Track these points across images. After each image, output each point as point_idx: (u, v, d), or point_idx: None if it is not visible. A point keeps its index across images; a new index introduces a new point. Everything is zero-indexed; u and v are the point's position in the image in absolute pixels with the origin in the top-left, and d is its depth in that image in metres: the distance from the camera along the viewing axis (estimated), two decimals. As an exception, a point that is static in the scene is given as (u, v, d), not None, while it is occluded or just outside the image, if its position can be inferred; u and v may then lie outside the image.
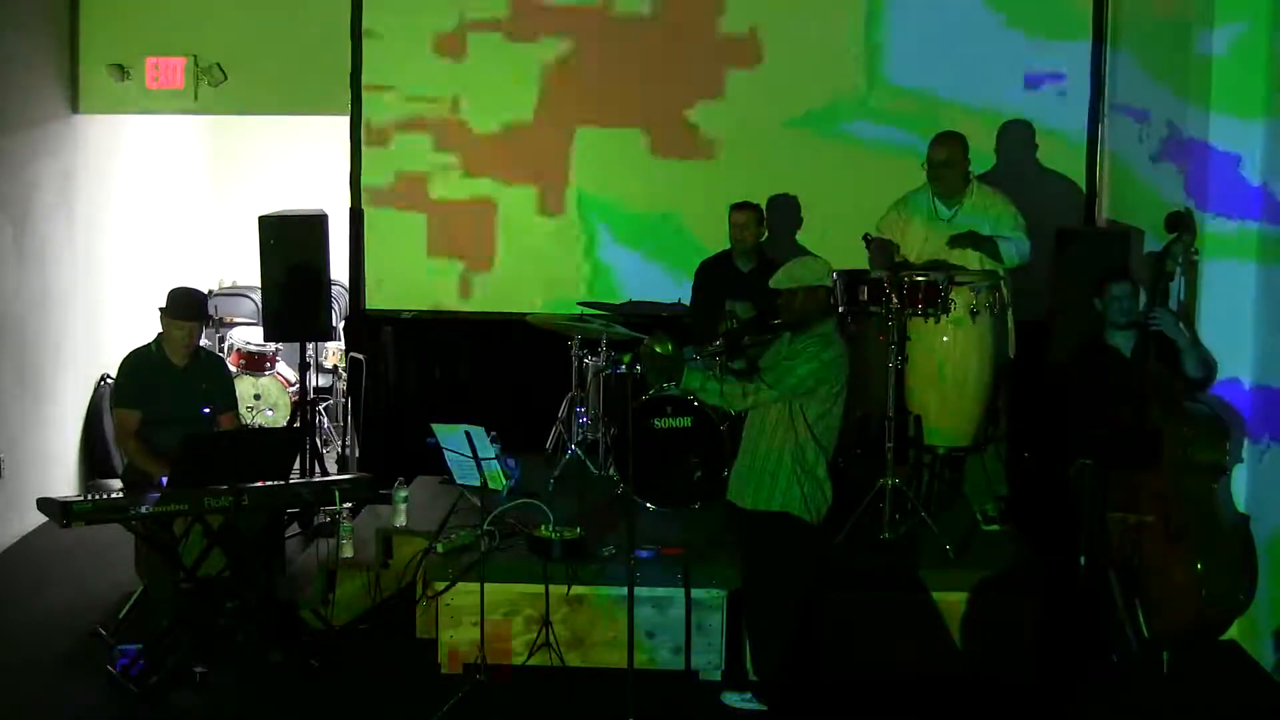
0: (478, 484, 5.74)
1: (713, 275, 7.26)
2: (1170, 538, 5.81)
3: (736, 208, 7.18)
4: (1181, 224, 6.03)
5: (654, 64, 7.92)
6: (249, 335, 9.50)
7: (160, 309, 6.24)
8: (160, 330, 6.25)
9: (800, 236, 7.83)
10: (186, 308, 6.26)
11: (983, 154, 7.26)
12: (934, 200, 6.57)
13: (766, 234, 7.28)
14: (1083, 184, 7.74)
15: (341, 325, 8.81)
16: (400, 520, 6.55)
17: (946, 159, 6.52)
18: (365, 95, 8.01)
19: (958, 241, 6.40)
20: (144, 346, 6.31)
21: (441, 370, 8.19)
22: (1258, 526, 6.01)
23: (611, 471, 6.87)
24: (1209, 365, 6.07)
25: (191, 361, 6.26)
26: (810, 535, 5.37)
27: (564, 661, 5.73)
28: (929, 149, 6.59)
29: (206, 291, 10.09)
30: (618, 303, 7.87)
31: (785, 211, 7.80)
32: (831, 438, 5.35)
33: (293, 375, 9.07)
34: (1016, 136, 7.68)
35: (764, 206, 7.33)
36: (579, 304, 7.57)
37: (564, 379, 7.37)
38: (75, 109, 8.23)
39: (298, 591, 6.37)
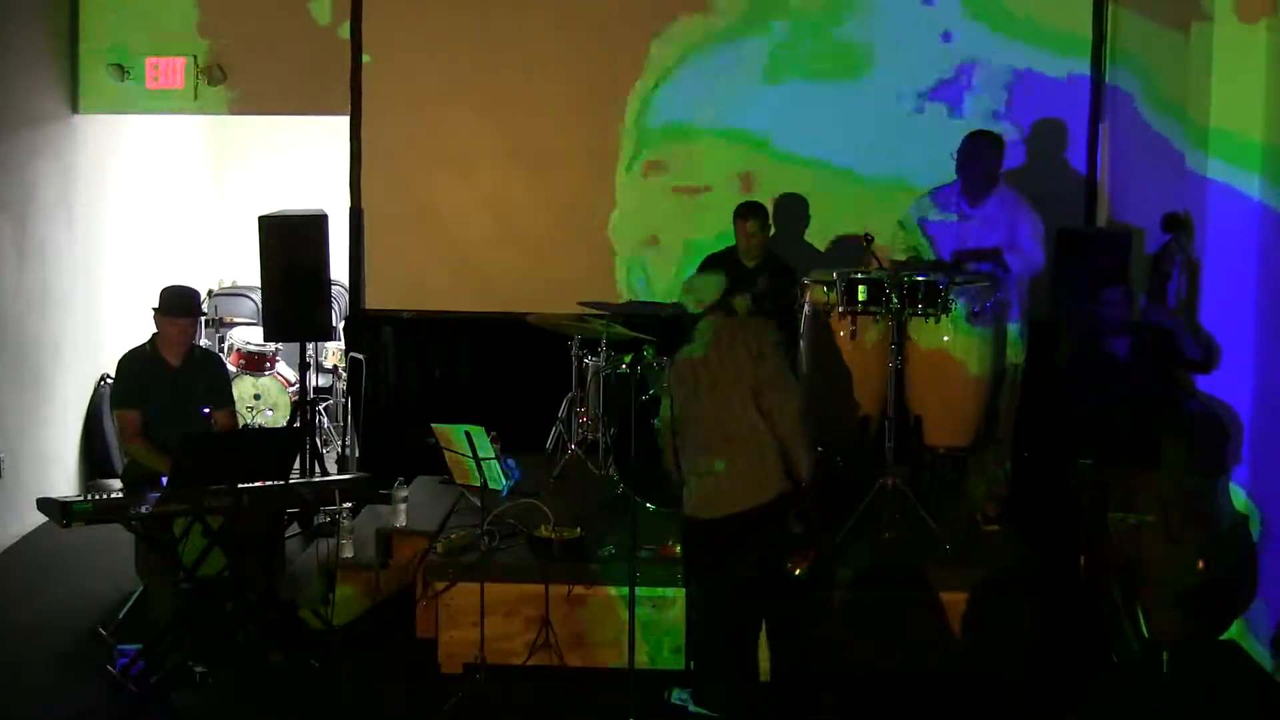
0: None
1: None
2: (1170, 538, 5.81)
3: (745, 216, 6.97)
4: (1178, 225, 6.03)
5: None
6: (249, 335, 9.49)
7: (153, 309, 6.23)
8: (155, 330, 6.25)
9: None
10: (179, 305, 6.23)
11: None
12: (960, 196, 6.57)
13: (774, 230, 7.26)
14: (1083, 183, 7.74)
15: (341, 325, 8.80)
16: (400, 520, 6.54)
17: (973, 155, 6.51)
18: (365, 95, 8.01)
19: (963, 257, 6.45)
20: (139, 347, 6.28)
21: (441, 370, 8.17)
22: (1258, 526, 6.01)
23: (611, 471, 6.87)
24: (1208, 347, 6.05)
25: (187, 360, 6.24)
26: None
27: (564, 661, 5.73)
28: (959, 147, 6.58)
29: (206, 291, 10.10)
30: (618, 303, 7.87)
31: (790, 210, 7.77)
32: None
33: (293, 375, 9.06)
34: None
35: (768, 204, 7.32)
36: (579, 304, 7.56)
37: (564, 379, 7.37)
38: (75, 109, 8.22)
39: (298, 591, 6.37)
